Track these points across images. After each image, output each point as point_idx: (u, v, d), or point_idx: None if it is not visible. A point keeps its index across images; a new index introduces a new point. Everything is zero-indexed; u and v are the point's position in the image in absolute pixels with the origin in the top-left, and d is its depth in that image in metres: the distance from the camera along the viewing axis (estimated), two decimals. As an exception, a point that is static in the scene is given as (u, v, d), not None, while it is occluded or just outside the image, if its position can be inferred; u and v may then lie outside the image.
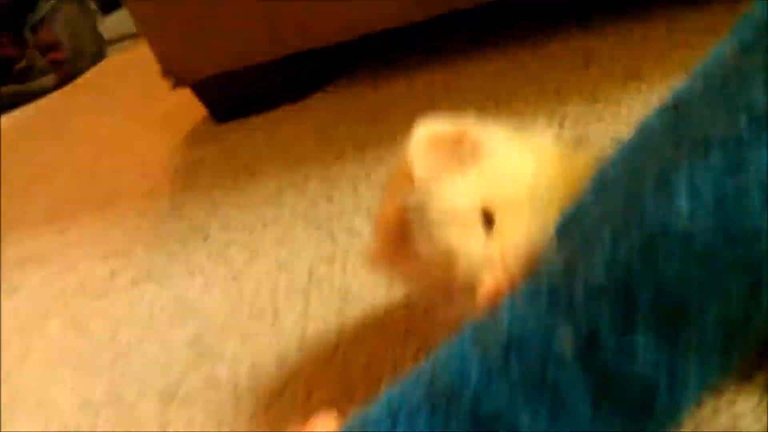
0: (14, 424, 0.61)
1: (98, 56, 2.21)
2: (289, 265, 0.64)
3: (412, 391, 0.32)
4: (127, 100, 1.47)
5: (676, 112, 0.31)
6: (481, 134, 0.38)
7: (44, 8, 2.04)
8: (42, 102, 1.83)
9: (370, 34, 0.90)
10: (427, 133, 0.39)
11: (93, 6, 2.23)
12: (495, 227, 0.35)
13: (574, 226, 0.32)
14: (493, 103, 0.76)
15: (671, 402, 0.28)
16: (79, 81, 1.96)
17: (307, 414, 0.43)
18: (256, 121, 1.03)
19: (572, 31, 0.80)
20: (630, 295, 0.27)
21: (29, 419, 0.61)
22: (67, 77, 2.08)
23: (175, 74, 1.04)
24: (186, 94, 1.09)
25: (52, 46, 2.05)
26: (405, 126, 0.81)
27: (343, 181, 0.73)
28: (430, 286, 0.38)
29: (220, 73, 1.04)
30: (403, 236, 0.38)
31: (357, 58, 1.03)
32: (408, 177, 0.38)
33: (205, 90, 1.10)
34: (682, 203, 0.26)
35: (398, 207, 0.38)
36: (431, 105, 0.82)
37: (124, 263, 0.79)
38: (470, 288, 0.34)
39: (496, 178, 0.37)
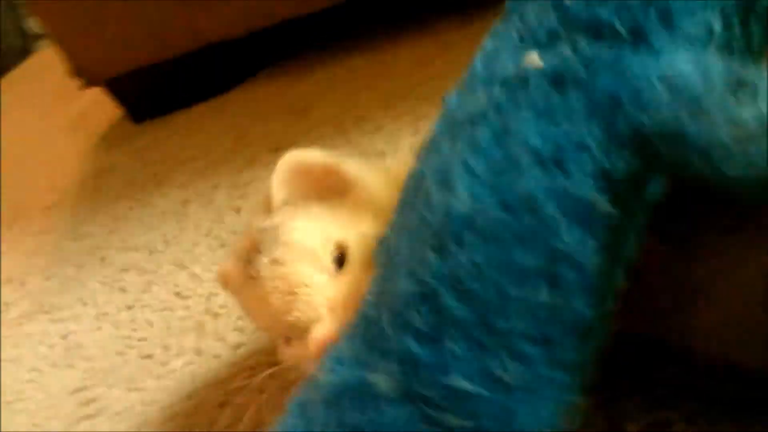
0: None
1: (24, 53, 2.10)
2: (186, 293, 0.57)
3: None
4: (45, 100, 1.38)
5: (448, 113, 0.30)
6: (352, 170, 0.35)
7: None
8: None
9: (288, 23, 0.84)
10: (295, 160, 0.35)
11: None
12: (346, 269, 0.31)
13: (384, 249, 0.29)
14: (420, 89, 0.69)
15: (507, 414, 0.24)
16: (3, 79, 1.85)
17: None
18: (176, 119, 0.96)
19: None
20: (435, 298, 0.25)
21: None
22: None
23: (86, 73, 0.96)
24: (103, 93, 1.01)
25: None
26: (322, 124, 0.74)
27: (252, 188, 0.66)
28: (271, 321, 0.34)
29: (133, 69, 0.96)
30: (251, 261, 0.34)
31: (278, 50, 0.95)
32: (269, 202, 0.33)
33: (119, 88, 1.02)
34: (460, 188, 0.26)
35: (252, 230, 0.35)
36: (353, 97, 0.77)
37: (18, 295, 0.71)
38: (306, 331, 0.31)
39: (358, 216, 0.31)
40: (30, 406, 0.55)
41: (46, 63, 1.75)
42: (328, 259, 0.31)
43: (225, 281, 0.38)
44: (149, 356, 0.52)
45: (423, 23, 0.82)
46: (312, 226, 0.32)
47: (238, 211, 0.64)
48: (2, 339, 0.65)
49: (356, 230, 0.32)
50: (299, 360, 0.33)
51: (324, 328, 0.30)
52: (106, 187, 0.84)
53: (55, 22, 0.95)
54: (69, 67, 0.96)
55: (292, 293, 0.31)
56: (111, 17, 0.92)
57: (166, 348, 0.52)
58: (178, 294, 0.57)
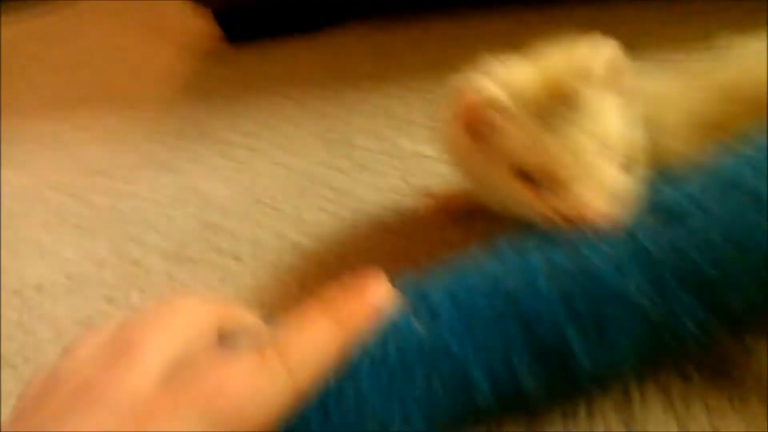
0: (15, 273, 0.63)
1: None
2: (290, 165, 0.68)
3: (473, 283, 0.33)
4: (139, 18, 1.48)
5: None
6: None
7: None
8: (45, 9, 1.82)
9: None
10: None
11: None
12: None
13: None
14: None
15: None
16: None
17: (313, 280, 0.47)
18: (269, 46, 1.06)
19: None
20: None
21: (32, 268, 0.63)
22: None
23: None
24: (193, 19, 1.13)
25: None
26: (417, 68, 0.83)
27: (359, 106, 0.77)
28: (502, 181, 0.37)
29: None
30: (480, 130, 0.37)
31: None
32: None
33: (222, 13, 1.13)
34: None
35: (480, 101, 0.37)
36: (443, 53, 0.87)
37: (125, 149, 0.82)
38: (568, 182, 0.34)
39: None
40: (149, 225, 0.65)
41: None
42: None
43: (454, 150, 0.42)
44: (258, 201, 0.63)
45: (507, 5, 0.93)
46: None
47: (348, 123, 0.74)
48: (114, 180, 0.75)
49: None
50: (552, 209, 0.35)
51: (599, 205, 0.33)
52: (210, 89, 0.95)
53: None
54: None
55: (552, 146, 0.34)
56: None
57: (273, 198, 0.63)
58: (282, 165, 0.68)
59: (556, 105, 0.35)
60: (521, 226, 0.36)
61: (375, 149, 0.67)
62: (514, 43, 0.41)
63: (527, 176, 0.36)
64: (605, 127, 0.35)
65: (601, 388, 0.36)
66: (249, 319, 0.36)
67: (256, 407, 0.31)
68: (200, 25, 1.16)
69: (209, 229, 0.61)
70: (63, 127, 0.94)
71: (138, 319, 0.33)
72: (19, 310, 0.57)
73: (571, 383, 0.32)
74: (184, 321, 0.33)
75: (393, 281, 0.33)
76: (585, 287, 0.31)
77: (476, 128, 0.38)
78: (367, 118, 0.73)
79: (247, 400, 0.30)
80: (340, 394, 0.30)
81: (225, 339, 0.32)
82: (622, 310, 0.30)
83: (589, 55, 0.36)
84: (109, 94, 1.04)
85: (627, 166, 0.36)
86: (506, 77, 0.37)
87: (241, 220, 0.61)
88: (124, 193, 0.72)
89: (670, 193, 0.34)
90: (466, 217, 0.52)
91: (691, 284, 0.30)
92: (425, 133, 0.67)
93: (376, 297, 0.33)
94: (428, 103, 0.72)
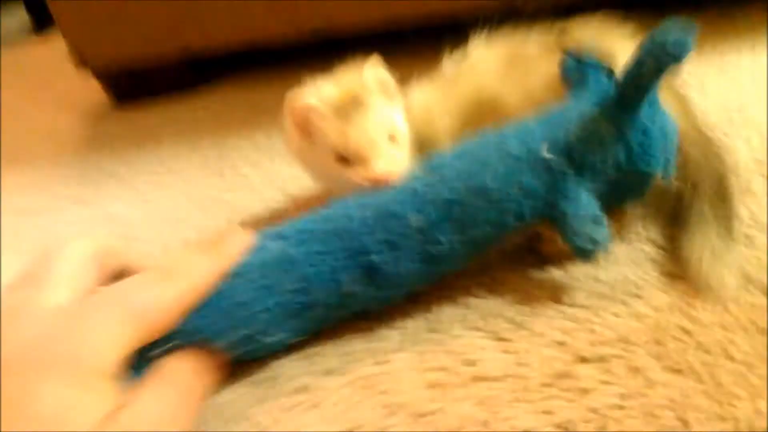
0: None
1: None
2: (188, 191, 0.88)
3: (312, 218, 0.53)
4: (21, 86, 1.60)
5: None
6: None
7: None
8: None
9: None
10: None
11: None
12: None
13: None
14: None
15: None
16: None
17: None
18: (155, 103, 1.24)
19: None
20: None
21: None
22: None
23: (89, 64, 1.23)
24: (78, 85, 1.29)
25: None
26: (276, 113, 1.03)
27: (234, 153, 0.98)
28: (329, 166, 0.57)
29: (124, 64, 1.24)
30: (308, 128, 0.57)
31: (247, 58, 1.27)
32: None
33: (105, 74, 1.29)
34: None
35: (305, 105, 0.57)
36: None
37: (46, 194, 0.97)
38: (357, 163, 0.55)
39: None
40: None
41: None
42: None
43: (293, 149, 0.61)
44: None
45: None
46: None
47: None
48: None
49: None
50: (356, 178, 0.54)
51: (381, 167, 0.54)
52: (103, 143, 1.13)
53: (68, 19, 1.21)
54: (72, 55, 1.23)
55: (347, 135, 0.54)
56: (113, 22, 1.20)
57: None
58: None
59: (352, 107, 0.55)
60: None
61: (255, 173, 0.88)
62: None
63: (343, 159, 0.56)
64: (386, 121, 0.57)
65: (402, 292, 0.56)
66: (133, 254, 0.50)
67: (160, 309, 0.44)
68: (87, 87, 1.32)
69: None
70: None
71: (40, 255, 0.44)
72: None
73: (376, 284, 0.52)
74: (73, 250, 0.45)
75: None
76: (379, 214, 0.52)
77: (305, 127, 0.57)
78: (247, 151, 0.95)
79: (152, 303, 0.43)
80: (219, 293, 0.49)
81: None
82: (402, 228, 0.52)
83: (368, 74, 0.58)
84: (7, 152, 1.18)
85: (404, 146, 0.58)
86: (319, 92, 0.58)
87: (153, 234, 0.80)
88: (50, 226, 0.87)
89: (435, 156, 0.56)
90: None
91: (442, 211, 0.52)
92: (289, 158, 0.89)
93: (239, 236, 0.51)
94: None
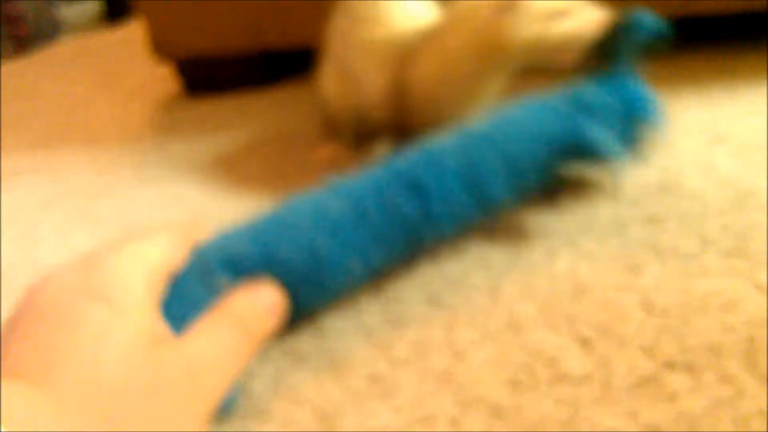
0: (33, 261, 0.78)
1: (53, 38, 2.37)
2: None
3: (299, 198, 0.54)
4: (92, 75, 1.65)
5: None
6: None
7: (11, -14, 2.19)
8: (3, 68, 1.95)
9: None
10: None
11: (55, -7, 2.39)
12: None
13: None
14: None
15: None
16: (35, 57, 2.09)
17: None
18: (224, 96, 1.26)
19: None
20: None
21: (52, 258, 0.79)
22: (23, 50, 2.22)
23: (165, 50, 1.26)
24: (149, 74, 1.31)
25: (15, 20, 2.19)
26: None
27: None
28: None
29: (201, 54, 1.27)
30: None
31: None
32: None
33: (182, 66, 1.33)
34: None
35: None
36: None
37: (119, 177, 0.99)
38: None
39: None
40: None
41: (76, 49, 2.03)
42: None
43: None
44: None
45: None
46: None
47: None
48: (112, 199, 0.93)
49: None
50: None
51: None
52: (177, 130, 1.15)
53: (149, 6, 1.25)
54: (149, 42, 1.26)
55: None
56: (193, 12, 1.23)
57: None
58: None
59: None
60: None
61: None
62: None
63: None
64: None
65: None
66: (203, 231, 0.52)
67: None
68: (159, 76, 1.35)
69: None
70: (48, 160, 1.10)
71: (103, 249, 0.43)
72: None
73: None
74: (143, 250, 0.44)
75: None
76: (363, 190, 0.54)
77: None
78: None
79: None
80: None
81: None
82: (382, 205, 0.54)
83: None
84: (85, 133, 1.21)
85: None
86: None
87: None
88: (125, 207, 0.89)
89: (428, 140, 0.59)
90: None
91: (411, 187, 0.54)
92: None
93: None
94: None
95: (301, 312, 0.52)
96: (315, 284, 0.51)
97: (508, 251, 0.62)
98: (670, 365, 0.47)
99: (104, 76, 1.60)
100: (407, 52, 0.64)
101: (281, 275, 0.48)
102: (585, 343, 0.50)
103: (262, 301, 0.46)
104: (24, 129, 1.31)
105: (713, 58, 1.03)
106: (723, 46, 1.06)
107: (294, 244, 0.50)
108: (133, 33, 1.35)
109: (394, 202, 0.53)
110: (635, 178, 0.70)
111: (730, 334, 0.49)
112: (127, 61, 1.65)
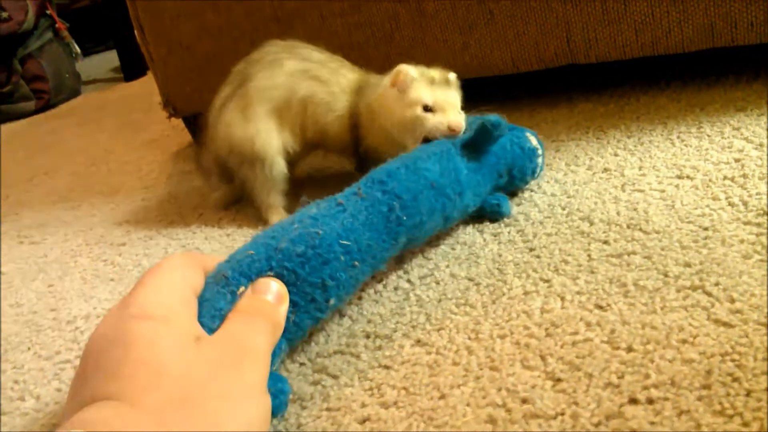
0: (66, 310, 0.81)
1: (74, 92, 2.42)
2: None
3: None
4: (111, 126, 1.70)
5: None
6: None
7: (34, 45, 2.25)
8: (26, 121, 2.01)
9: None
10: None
11: (75, 49, 2.45)
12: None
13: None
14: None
15: None
16: (58, 110, 2.14)
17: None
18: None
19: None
20: None
21: (79, 308, 0.82)
22: (46, 106, 2.27)
23: (174, 107, 1.31)
24: (164, 126, 1.35)
25: (37, 78, 2.25)
26: None
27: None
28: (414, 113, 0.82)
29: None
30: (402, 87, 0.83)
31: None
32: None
33: (188, 122, 1.37)
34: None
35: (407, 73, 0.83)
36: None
37: (136, 226, 1.03)
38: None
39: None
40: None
41: (95, 102, 2.08)
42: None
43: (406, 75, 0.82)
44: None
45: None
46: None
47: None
48: (133, 247, 0.96)
49: None
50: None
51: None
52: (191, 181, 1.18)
53: (162, 68, 1.30)
54: (163, 100, 1.31)
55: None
56: (200, 74, 1.28)
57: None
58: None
59: (443, 82, 0.82)
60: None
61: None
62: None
63: (428, 108, 0.80)
64: (458, 100, 0.83)
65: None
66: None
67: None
68: (174, 127, 1.39)
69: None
70: (71, 213, 1.14)
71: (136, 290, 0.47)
72: (74, 333, 0.76)
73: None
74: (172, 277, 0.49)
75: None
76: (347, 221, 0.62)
77: (401, 86, 0.82)
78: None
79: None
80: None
81: None
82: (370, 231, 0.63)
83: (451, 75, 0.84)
84: (106, 186, 1.25)
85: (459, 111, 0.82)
86: (417, 68, 0.84)
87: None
88: (142, 256, 0.92)
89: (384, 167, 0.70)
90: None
91: (396, 211, 0.65)
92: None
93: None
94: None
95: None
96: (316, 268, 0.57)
97: (489, 292, 0.65)
98: (633, 400, 0.49)
99: (123, 127, 1.65)
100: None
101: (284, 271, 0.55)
102: (557, 381, 0.52)
103: (270, 291, 0.53)
104: (50, 180, 1.36)
105: (678, 96, 1.05)
106: (688, 83, 1.09)
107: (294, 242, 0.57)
108: (149, 86, 1.39)
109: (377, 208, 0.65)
110: (606, 215, 0.72)
111: (689, 367, 0.51)
112: (145, 113, 1.70)
